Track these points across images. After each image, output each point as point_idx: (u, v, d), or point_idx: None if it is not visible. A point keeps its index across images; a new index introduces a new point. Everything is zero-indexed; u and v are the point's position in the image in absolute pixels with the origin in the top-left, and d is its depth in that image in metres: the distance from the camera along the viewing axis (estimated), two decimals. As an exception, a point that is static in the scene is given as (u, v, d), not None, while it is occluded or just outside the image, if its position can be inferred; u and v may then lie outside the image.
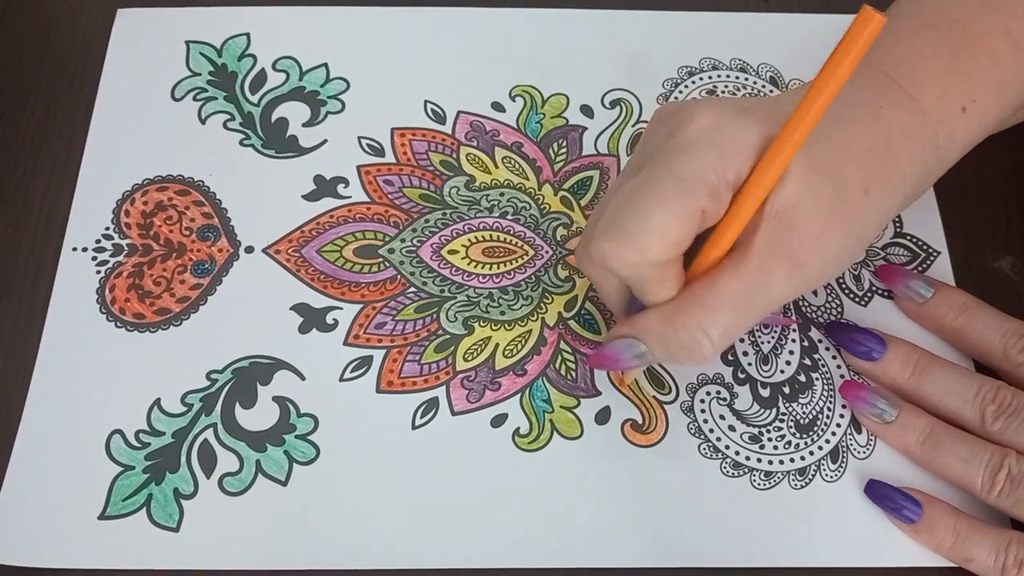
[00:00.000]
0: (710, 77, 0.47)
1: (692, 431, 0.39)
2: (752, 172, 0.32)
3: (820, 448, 0.39)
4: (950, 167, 0.38)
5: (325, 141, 0.45)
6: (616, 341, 0.36)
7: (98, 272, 0.42)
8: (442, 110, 0.46)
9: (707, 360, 0.34)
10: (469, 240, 0.43)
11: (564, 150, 0.45)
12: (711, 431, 0.39)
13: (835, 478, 0.38)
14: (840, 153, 0.34)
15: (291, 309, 0.41)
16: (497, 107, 0.46)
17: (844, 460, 0.39)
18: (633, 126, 0.46)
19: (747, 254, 0.33)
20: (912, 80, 0.36)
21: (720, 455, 0.39)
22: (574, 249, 0.43)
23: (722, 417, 0.39)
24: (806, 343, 0.41)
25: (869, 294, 0.42)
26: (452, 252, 0.42)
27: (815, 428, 0.39)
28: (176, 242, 0.42)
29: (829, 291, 0.42)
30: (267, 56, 0.47)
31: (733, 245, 0.33)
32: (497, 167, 0.45)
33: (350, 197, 0.44)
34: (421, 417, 0.39)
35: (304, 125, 0.45)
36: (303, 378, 0.40)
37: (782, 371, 0.40)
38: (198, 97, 0.46)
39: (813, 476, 0.38)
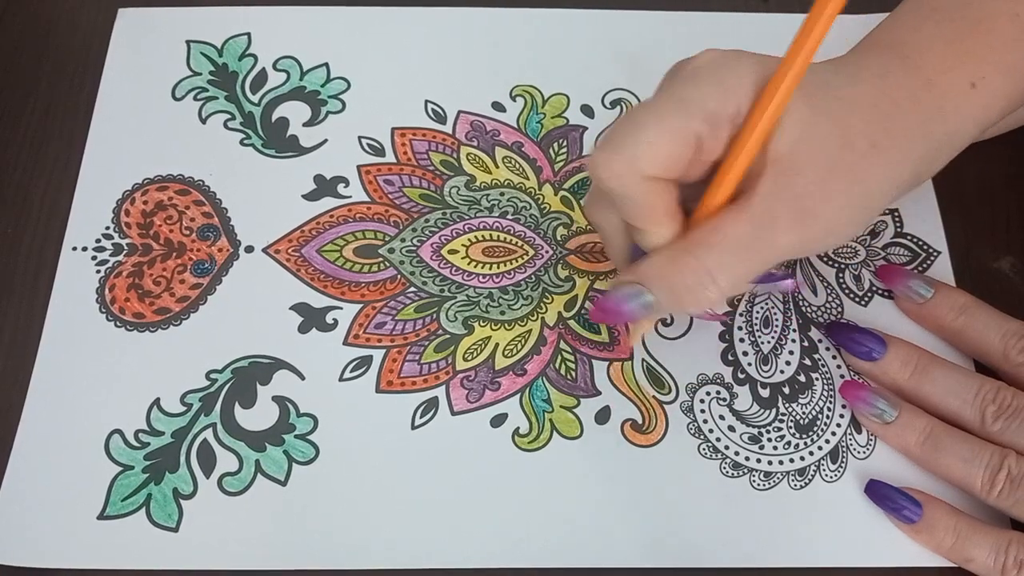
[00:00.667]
0: (710, 77, 0.47)
1: (692, 431, 0.39)
2: (752, 109, 0.32)
3: (820, 448, 0.39)
4: (961, 148, 0.37)
5: (325, 141, 0.45)
6: (618, 289, 0.34)
7: (98, 272, 0.42)
8: (442, 110, 0.46)
9: (712, 305, 0.33)
10: (469, 240, 0.43)
11: (564, 150, 0.45)
12: (711, 431, 0.39)
13: (835, 478, 0.38)
14: (845, 105, 0.34)
15: (291, 309, 0.41)
16: (497, 107, 0.46)
17: (844, 460, 0.39)
18: (633, 126, 0.46)
19: (752, 198, 0.32)
20: (919, 56, 0.36)
21: (720, 455, 0.39)
22: (575, 248, 0.43)
23: (722, 417, 0.39)
24: (806, 343, 0.41)
25: (869, 294, 0.42)
26: (452, 252, 0.42)
27: (815, 428, 0.39)
28: (176, 242, 0.42)
29: (829, 291, 0.42)
30: (268, 56, 0.47)
31: (737, 192, 0.33)
32: (497, 167, 0.45)
33: (350, 197, 0.44)
34: (421, 417, 0.39)
35: (304, 125, 0.45)
36: (303, 378, 0.40)
37: (782, 371, 0.40)
38: (199, 97, 0.46)
39: (813, 476, 0.38)
